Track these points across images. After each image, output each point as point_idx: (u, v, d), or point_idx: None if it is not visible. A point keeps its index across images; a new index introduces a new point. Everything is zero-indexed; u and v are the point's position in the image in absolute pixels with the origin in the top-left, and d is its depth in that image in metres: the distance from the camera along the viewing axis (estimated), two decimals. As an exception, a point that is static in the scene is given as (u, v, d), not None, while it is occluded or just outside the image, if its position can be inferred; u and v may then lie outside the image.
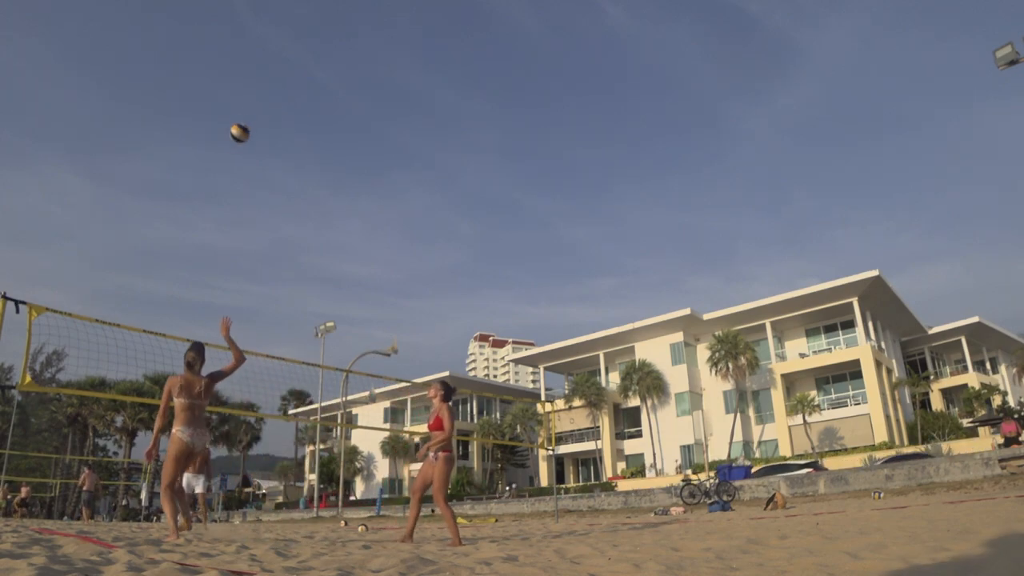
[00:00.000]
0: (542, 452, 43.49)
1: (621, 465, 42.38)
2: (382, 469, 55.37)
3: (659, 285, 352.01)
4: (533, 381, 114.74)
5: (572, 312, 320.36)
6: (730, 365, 36.62)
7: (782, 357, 39.64)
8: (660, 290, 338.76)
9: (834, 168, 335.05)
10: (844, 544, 3.17)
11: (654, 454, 40.06)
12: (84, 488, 20.67)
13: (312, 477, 55.13)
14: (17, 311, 6.04)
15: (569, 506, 23.78)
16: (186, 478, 11.26)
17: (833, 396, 37.81)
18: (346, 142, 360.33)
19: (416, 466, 54.97)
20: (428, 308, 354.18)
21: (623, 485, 33.91)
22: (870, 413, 34.39)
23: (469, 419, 53.56)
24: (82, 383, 26.89)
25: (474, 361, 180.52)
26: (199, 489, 11.19)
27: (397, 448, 53.18)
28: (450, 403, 6.04)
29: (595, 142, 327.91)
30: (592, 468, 44.19)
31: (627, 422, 43.93)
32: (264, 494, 62.75)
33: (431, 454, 5.75)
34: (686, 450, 39.36)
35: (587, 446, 43.23)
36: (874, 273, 34.24)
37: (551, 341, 46.94)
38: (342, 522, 16.60)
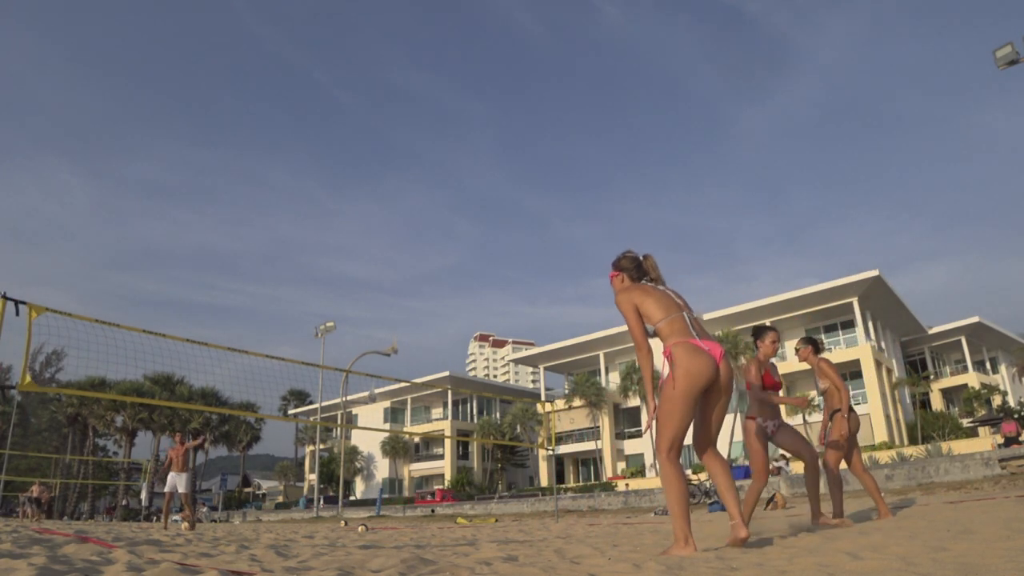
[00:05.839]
0: (542, 452, 43.46)
1: (621, 465, 42.38)
2: (382, 469, 55.37)
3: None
4: (533, 381, 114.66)
5: (572, 312, 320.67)
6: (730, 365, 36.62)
7: (782, 357, 39.62)
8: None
9: (833, 168, 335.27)
10: (844, 544, 3.17)
11: (654, 454, 40.03)
12: (34, 496, 21.61)
13: (312, 477, 55.12)
14: (17, 312, 6.01)
15: (569, 506, 23.77)
16: (170, 477, 11.14)
17: (833, 396, 37.77)
18: (345, 142, 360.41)
19: (416, 466, 54.88)
20: (428, 308, 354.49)
21: (623, 485, 33.89)
22: (870, 413, 34.37)
23: (469, 419, 53.57)
24: (82, 383, 26.92)
25: (474, 361, 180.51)
26: (182, 488, 11.10)
27: (397, 448, 53.19)
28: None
29: (595, 142, 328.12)
30: (592, 468, 44.18)
31: (627, 422, 43.92)
32: (264, 494, 62.72)
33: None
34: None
35: (587, 446, 43.22)
36: (874, 273, 34.20)
37: (551, 341, 47.03)
38: (342, 522, 16.60)
